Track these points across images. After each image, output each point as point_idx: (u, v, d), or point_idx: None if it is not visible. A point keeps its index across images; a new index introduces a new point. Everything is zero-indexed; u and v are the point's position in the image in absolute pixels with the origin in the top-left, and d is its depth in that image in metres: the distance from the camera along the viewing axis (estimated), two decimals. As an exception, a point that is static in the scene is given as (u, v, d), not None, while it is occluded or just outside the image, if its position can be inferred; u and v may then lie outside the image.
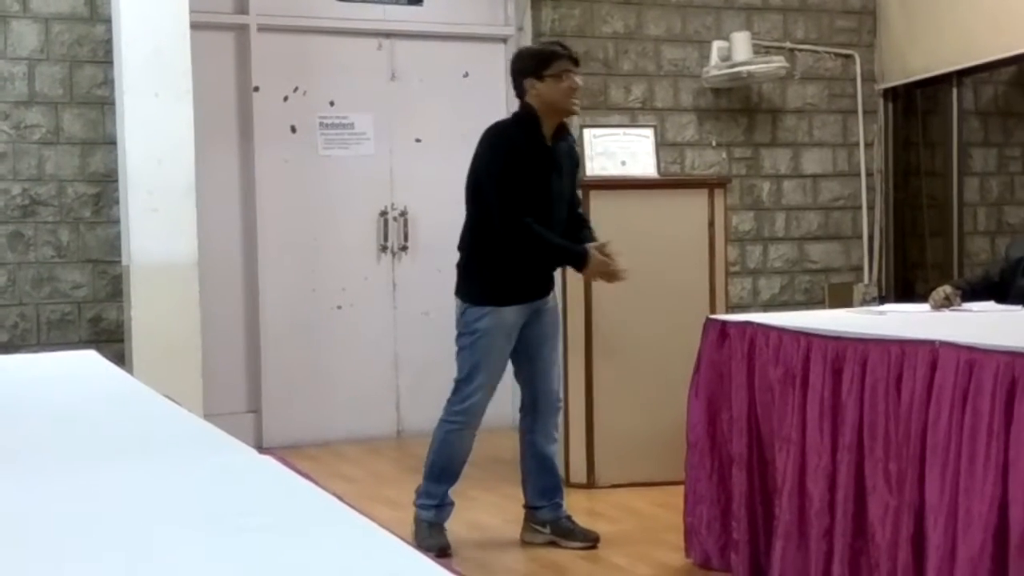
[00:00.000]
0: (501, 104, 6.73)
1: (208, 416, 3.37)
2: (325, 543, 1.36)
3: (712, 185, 5.77)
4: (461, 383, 4.48)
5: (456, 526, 4.65)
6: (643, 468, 5.42)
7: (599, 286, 4.99)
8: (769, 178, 7.60)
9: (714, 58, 7.24)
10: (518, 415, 4.68)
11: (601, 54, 7.18)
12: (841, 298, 7.48)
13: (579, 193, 4.88)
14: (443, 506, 4.56)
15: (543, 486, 4.63)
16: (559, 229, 4.44)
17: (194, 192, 5.72)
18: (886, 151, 7.82)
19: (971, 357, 3.04)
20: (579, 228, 4.57)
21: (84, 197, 6.21)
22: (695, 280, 5.59)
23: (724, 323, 4.18)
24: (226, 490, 1.66)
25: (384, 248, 7.01)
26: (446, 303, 4.83)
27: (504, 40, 7.20)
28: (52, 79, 6.15)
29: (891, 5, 7.66)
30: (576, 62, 4.45)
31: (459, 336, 4.49)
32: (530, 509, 4.66)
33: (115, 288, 6.16)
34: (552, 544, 4.58)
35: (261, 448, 3.03)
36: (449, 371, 4.59)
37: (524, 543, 4.64)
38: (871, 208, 7.79)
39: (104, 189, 6.21)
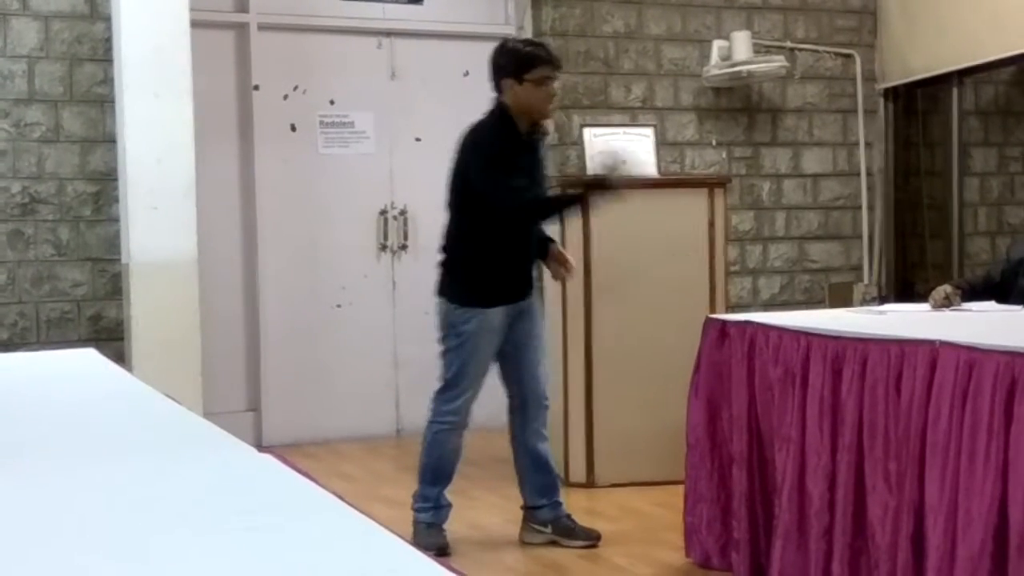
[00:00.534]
0: (501, 103, 6.72)
1: (207, 414, 3.38)
2: (324, 541, 1.36)
3: (712, 185, 5.77)
4: (448, 384, 4.48)
5: (456, 526, 4.65)
6: (643, 468, 5.42)
7: (599, 286, 4.99)
8: (769, 178, 7.60)
9: (714, 57, 7.24)
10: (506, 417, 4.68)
11: (601, 53, 7.18)
12: (841, 298, 7.48)
13: (571, 191, 4.93)
14: (440, 508, 4.56)
15: (540, 484, 4.63)
16: None
17: (194, 190, 5.72)
18: (886, 151, 7.82)
19: (971, 357, 3.03)
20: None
21: (84, 195, 6.21)
22: (695, 280, 5.58)
23: (724, 323, 4.18)
24: (225, 488, 1.66)
25: (384, 247, 7.01)
26: (446, 303, 4.82)
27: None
28: (52, 77, 6.15)
29: (891, 5, 7.66)
30: (558, 67, 4.48)
31: (444, 337, 4.50)
32: (530, 509, 4.66)
33: (115, 286, 6.15)
34: (553, 544, 4.57)
35: (260, 447, 3.03)
36: (449, 370, 4.59)
37: (523, 543, 4.64)
38: (871, 208, 7.78)
39: (104, 187, 6.20)
